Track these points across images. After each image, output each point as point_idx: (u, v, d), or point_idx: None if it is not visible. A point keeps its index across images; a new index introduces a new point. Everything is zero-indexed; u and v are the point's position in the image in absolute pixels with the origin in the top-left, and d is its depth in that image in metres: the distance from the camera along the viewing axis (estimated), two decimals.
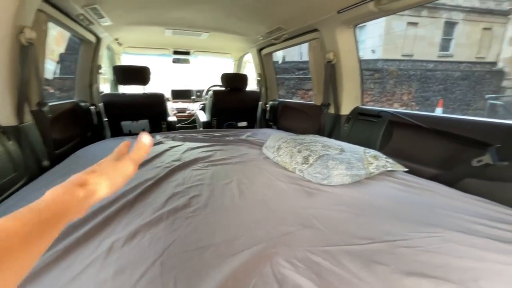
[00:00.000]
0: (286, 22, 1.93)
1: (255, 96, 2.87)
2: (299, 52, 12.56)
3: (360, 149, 1.30)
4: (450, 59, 11.41)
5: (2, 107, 1.14)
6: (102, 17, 1.84)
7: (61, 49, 2.76)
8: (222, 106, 2.73)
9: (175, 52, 3.35)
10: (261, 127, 3.19)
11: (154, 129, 2.55)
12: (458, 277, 0.58)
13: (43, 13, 1.31)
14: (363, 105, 1.80)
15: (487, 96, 8.98)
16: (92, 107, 2.27)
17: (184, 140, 1.93)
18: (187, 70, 4.42)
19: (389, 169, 1.20)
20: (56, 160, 1.43)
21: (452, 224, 0.79)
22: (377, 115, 1.55)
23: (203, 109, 3.52)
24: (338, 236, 0.71)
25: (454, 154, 1.14)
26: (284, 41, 2.29)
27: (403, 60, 10.59)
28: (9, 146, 1.13)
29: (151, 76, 2.40)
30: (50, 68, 3.61)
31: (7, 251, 0.21)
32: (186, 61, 3.63)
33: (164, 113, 2.56)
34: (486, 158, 0.93)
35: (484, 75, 10.09)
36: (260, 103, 3.11)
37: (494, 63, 10.67)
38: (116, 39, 2.68)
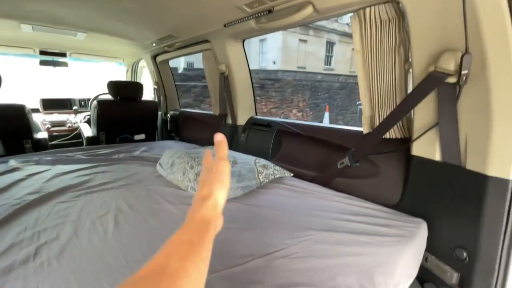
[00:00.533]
0: (177, 30, 1.84)
1: (152, 106, 2.63)
2: None
3: (251, 159, 1.34)
4: (332, 72, 13.90)
5: None
6: None
7: None
8: (111, 119, 2.37)
9: (43, 53, 2.71)
10: (163, 139, 2.96)
11: (12, 151, 1.96)
12: (320, 278, 0.63)
13: None
14: (256, 115, 1.90)
15: (358, 102, 11.39)
16: None
17: (54, 163, 1.55)
18: (67, 75, 3.66)
19: (277, 176, 1.28)
20: None
21: (323, 224, 0.88)
22: (268, 124, 1.66)
23: (88, 121, 2.97)
24: (218, 260, 0.68)
25: (326, 157, 1.33)
26: (177, 49, 2.18)
27: (298, 72, 12.16)
28: None
29: (1, 82, 1.84)
30: None
31: (186, 254, 0.29)
32: (63, 64, 2.99)
33: (26, 129, 2.01)
34: (346, 161, 1.11)
35: (355, 86, 12.77)
36: (160, 113, 2.88)
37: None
38: None
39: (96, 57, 3.11)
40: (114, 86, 2.33)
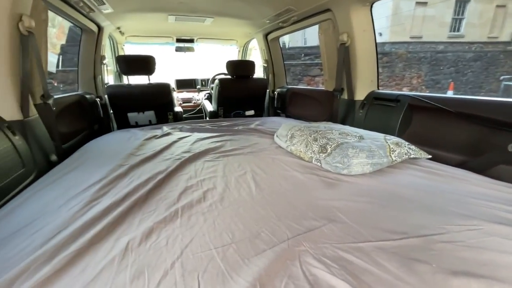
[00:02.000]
0: (296, 2, 1.81)
1: (262, 83, 2.77)
2: (303, 38, 12.21)
3: (380, 136, 1.22)
4: (461, 39, 10.95)
5: (4, 100, 1.09)
6: (103, 3, 1.75)
7: (62, 41, 2.68)
8: (229, 95, 2.65)
9: (178, 40, 3.25)
10: (269, 115, 3.11)
11: (161, 120, 2.50)
12: (509, 275, 0.52)
13: (41, 0, 1.23)
14: (378, 89, 1.70)
15: (501, 77, 8.63)
16: (98, 99, 2.22)
17: (192, 130, 1.88)
18: (191, 59, 4.31)
19: (412, 156, 1.13)
20: (64, 154, 1.40)
21: (489, 215, 0.72)
22: (395, 99, 1.46)
23: (208, 98, 3.44)
24: (367, 230, 0.66)
25: (484, 138, 1.06)
26: (292, 23, 2.17)
27: (411, 43, 10.20)
28: (16, 141, 1.10)
29: (156, 66, 2.33)
30: (53, 61, 3.56)
31: None
32: (190, 49, 3.52)
33: (170, 103, 2.50)
34: None
35: (497, 56, 9.68)
36: (268, 90, 3.02)
37: (508, 43, 10.21)
38: (118, 28, 2.59)
39: (215, 41, 3.49)
40: (231, 65, 2.57)
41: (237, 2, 2.03)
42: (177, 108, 2.73)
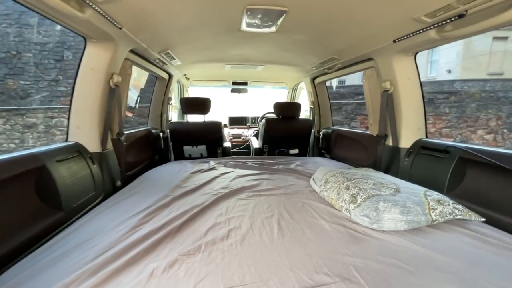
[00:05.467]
0: (339, 52, 1.92)
1: (307, 124, 2.85)
2: (356, 76, 12.09)
3: (420, 190, 1.13)
4: None
5: (91, 136, 1.42)
6: (174, 58, 2.16)
7: (142, 84, 3.30)
8: (274, 134, 2.79)
9: (234, 83, 3.65)
10: (313, 155, 3.11)
11: (210, 154, 2.75)
12: None
13: (128, 60, 1.62)
14: (427, 138, 1.59)
15: None
16: (161, 133, 2.60)
17: (235, 166, 2.02)
18: (244, 98, 4.73)
19: (458, 217, 1.01)
20: (127, 180, 1.67)
21: None
22: (444, 150, 1.35)
23: (256, 135, 3.65)
24: None
25: None
26: (337, 70, 2.26)
27: (489, 80, 9.08)
28: (93, 169, 1.39)
29: (211, 106, 2.65)
30: (134, 97, 4.35)
31: None
32: (243, 90, 3.90)
33: (220, 139, 2.75)
34: None
35: None
36: (313, 130, 3.06)
37: None
38: (185, 75, 3.08)
39: (267, 83, 3.79)
40: (278, 106, 2.74)
41: (285, 53, 2.24)
42: (226, 144, 2.97)
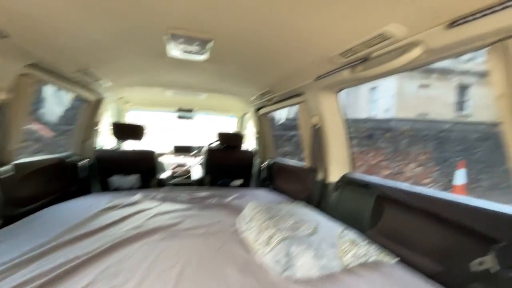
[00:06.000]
0: (273, 86, 1.95)
1: (248, 154, 2.81)
2: None
3: (338, 229, 1.09)
4: (468, 119, 11.17)
5: None
6: (100, 79, 1.95)
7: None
8: (216, 163, 2.67)
9: (179, 110, 3.50)
10: (257, 186, 3.03)
11: (144, 184, 2.48)
12: None
13: (26, 77, 1.38)
14: (351, 172, 1.63)
15: None
16: (81, 162, 2.26)
17: (164, 200, 1.81)
18: (193, 125, 4.57)
19: (371, 259, 0.96)
20: (17, 217, 1.34)
21: None
22: (365, 185, 1.37)
23: (202, 164, 3.47)
24: None
25: (455, 244, 0.91)
26: (275, 103, 2.29)
27: (417, 120, 10.50)
28: None
29: (146, 133, 2.44)
30: (57, 112, 3.83)
31: None
32: (190, 117, 3.76)
33: (153, 169, 2.51)
34: (488, 261, 0.70)
35: None
36: (257, 161, 3.01)
37: None
38: (121, 98, 2.84)
39: (214, 111, 3.73)
40: (221, 136, 2.67)
41: (225, 83, 2.21)
42: (164, 174, 2.72)
